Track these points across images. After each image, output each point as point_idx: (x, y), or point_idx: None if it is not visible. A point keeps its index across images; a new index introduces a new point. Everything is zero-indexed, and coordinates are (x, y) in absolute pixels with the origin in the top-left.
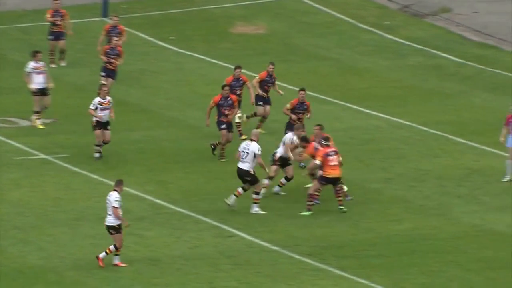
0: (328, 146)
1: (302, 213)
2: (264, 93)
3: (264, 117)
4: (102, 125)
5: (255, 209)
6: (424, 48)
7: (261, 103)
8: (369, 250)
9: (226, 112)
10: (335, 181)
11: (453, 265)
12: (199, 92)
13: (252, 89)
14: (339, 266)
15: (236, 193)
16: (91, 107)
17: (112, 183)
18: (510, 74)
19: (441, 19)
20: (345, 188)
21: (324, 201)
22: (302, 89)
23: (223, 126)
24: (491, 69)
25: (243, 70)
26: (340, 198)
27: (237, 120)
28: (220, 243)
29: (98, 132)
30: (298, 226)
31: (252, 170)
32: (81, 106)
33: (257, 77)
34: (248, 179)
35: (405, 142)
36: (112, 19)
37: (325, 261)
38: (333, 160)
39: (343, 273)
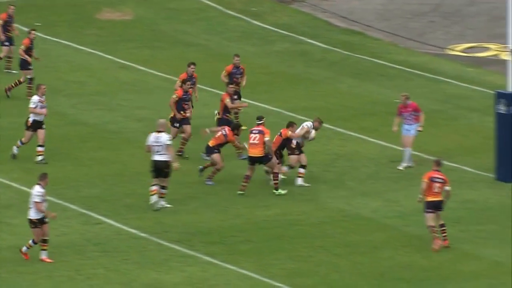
0: (257, 125)
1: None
2: (235, 86)
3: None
4: (39, 124)
5: (161, 202)
6: (290, 34)
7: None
8: (237, 236)
9: (186, 107)
10: (255, 160)
11: (321, 250)
12: (66, 78)
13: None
14: (207, 252)
15: (153, 192)
16: (32, 105)
17: None
18: (375, 60)
19: (307, 5)
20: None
21: (191, 188)
22: (236, 92)
23: (177, 124)
24: (356, 55)
25: (109, 57)
26: (275, 181)
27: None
28: (88, 231)
29: (30, 133)
30: (166, 212)
31: (170, 161)
32: None
33: (223, 71)
34: (166, 171)
35: (273, 127)
36: (9, 8)
37: (193, 247)
38: (253, 138)
39: (211, 259)
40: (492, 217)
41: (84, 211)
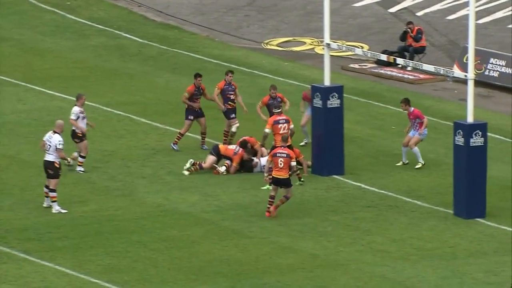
0: (278, 114)
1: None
2: (192, 105)
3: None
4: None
5: (56, 207)
6: (106, 28)
7: (191, 117)
8: (54, 233)
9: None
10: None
11: (138, 245)
12: None
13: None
14: (22, 249)
15: (46, 194)
16: (73, 117)
17: None
18: (192, 54)
19: None
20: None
21: (6, 184)
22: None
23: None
24: (173, 49)
25: None
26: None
27: (234, 130)
28: None
29: (85, 143)
30: None
31: (57, 163)
32: None
33: (185, 93)
34: (50, 172)
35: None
36: None
37: (9, 244)
38: (283, 128)
39: (27, 256)
40: (308, 211)
41: None
